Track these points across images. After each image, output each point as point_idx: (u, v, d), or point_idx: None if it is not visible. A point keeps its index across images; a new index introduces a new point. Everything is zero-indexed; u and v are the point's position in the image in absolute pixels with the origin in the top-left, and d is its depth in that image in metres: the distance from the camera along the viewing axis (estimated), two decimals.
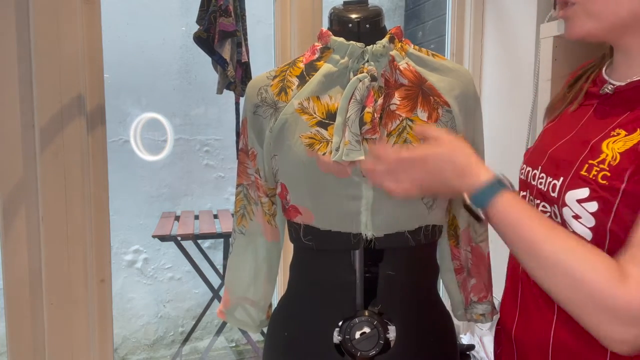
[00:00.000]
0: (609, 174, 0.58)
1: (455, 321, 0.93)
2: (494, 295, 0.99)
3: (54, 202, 1.16)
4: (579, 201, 0.60)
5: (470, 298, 0.95)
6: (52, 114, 1.15)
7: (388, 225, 0.76)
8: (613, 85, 0.67)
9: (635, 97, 0.63)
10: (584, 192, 0.60)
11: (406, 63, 0.79)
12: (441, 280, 0.95)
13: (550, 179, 0.66)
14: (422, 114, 0.78)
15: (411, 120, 0.77)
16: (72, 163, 1.18)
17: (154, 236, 2.25)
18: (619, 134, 0.61)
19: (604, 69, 0.72)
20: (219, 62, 1.59)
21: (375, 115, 0.74)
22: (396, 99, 0.77)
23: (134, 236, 2.71)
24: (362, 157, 0.72)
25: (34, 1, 1.11)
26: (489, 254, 0.94)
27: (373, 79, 0.75)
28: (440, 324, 0.86)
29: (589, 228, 0.59)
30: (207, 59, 1.71)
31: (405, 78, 0.79)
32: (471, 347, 0.98)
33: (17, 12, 1.11)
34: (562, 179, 0.64)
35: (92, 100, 1.23)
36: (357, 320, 0.76)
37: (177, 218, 2.58)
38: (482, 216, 0.65)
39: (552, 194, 0.65)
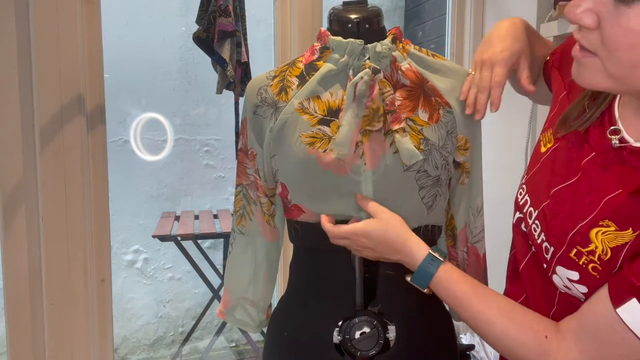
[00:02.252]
0: (600, 268, 0.57)
1: (455, 321, 0.93)
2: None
3: (54, 202, 1.16)
4: (570, 280, 0.61)
5: None
6: (52, 114, 1.15)
7: None
8: (622, 138, 0.59)
9: (636, 167, 0.57)
10: (575, 275, 0.60)
11: (408, 64, 0.79)
12: None
13: (544, 238, 0.65)
14: (423, 115, 0.78)
15: (412, 120, 0.77)
16: (72, 163, 1.18)
17: (154, 236, 2.25)
18: (608, 225, 0.57)
19: (617, 99, 0.63)
20: (218, 62, 1.59)
21: (396, 104, 0.76)
22: (397, 99, 0.77)
23: (134, 236, 2.71)
24: (346, 152, 0.73)
25: (34, 1, 1.11)
26: (484, 254, 0.94)
27: (375, 71, 0.75)
28: (440, 324, 0.86)
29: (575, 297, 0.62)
30: (207, 59, 1.71)
31: (407, 78, 0.79)
32: (471, 347, 0.98)
33: (17, 12, 1.11)
34: (553, 249, 0.63)
35: (92, 100, 1.23)
36: (356, 320, 0.76)
37: (177, 218, 2.59)
38: (426, 292, 0.73)
39: (545, 256, 0.64)
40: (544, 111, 1.46)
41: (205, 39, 1.58)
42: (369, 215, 0.76)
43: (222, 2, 1.54)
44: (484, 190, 0.90)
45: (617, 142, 0.59)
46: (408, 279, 0.74)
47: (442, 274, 0.70)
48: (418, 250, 0.72)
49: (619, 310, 0.54)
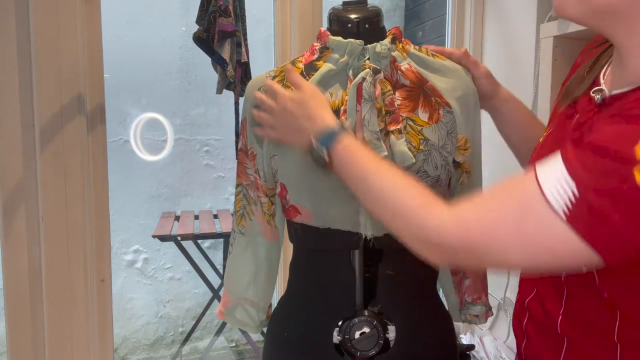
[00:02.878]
0: None
1: (455, 322, 0.93)
2: (493, 294, 0.99)
3: (54, 202, 1.16)
4: None
5: (464, 299, 0.95)
6: (52, 114, 1.15)
7: None
8: (603, 92, 0.61)
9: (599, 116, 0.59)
10: None
11: (407, 64, 0.79)
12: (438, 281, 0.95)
13: None
14: (423, 115, 0.78)
15: (412, 120, 0.77)
16: (72, 163, 1.18)
17: (154, 236, 2.25)
18: None
19: (606, 66, 0.66)
20: (218, 62, 1.59)
21: (396, 104, 0.75)
22: (397, 99, 0.77)
23: (134, 236, 2.71)
24: (385, 153, 0.73)
25: (34, 1, 1.11)
26: None
27: (376, 72, 0.75)
28: (440, 324, 0.86)
29: None
30: (207, 59, 1.71)
31: (406, 79, 0.79)
32: (471, 347, 0.98)
33: (17, 12, 1.11)
34: None
35: (92, 100, 1.23)
36: (356, 320, 0.76)
37: (177, 218, 2.59)
38: (326, 159, 0.69)
39: None
40: (544, 112, 1.46)
41: (205, 39, 1.57)
42: (372, 220, 0.76)
43: (222, 2, 1.54)
44: (483, 190, 0.90)
45: (599, 98, 0.61)
46: (313, 142, 0.70)
47: (349, 137, 0.69)
48: (332, 117, 0.71)
49: (539, 175, 0.52)
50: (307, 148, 0.72)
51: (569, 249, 0.50)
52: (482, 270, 0.95)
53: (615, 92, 0.59)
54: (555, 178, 0.51)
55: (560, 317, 0.66)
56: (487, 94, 0.86)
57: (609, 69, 0.65)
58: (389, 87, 0.76)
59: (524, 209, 0.52)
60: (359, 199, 0.68)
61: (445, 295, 0.97)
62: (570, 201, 0.50)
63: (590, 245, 0.49)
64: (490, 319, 1.95)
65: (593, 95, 0.62)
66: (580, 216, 0.49)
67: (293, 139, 0.74)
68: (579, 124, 0.63)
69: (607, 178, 0.48)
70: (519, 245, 0.53)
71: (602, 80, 0.64)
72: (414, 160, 0.74)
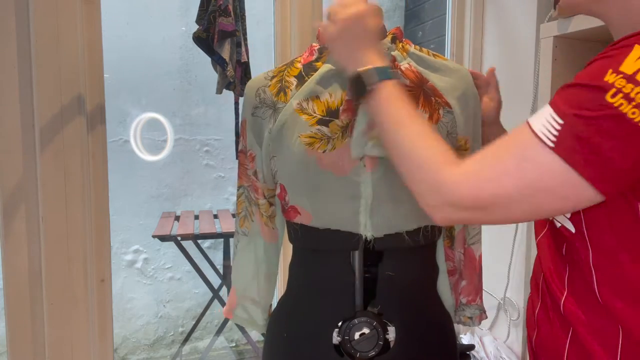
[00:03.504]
0: None
1: (455, 323, 0.93)
2: (493, 294, 0.99)
3: (54, 202, 1.16)
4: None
5: (460, 300, 0.95)
6: (52, 114, 1.15)
7: (387, 225, 0.76)
8: None
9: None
10: None
11: (407, 63, 0.79)
12: None
13: None
14: (423, 115, 0.77)
15: None
16: (72, 163, 1.18)
17: (154, 236, 2.25)
18: None
19: None
20: (218, 62, 1.59)
21: None
22: None
23: (134, 236, 2.71)
24: (379, 154, 0.73)
25: (34, 1, 1.11)
26: (480, 256, 0.94)
27: None
28: (440, 324, 0.85)
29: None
30: (207, 59, 1.71)
31: (406, 78, 0.79)
32: (471, 347, 0.98)
33: (17, 12, 1.11)
34: None
35: (92, 100, 1.23)
36: (356, 321, 0.76)
37: (177, 218, 2.58)
38: (372, 88, 0.69)
39: None
40: None
41: (205, 39, 1.57)
42: (371, 221, 0.76)
43: (222, 2, 1.54)
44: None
45: None
46: (364, 67, 0.70)
47: (399, 83, 0.70)
48: (384, 58, 0.72)
49: (530, 120, 0.57)
50: (354, 71, 0.71)
51: (564, 183, 0.54)
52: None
53: None
54: (542, 117, 0.55)
55: (563, 299, 0.68)
56: (487, 121, 0.90)
57: None
58: None
59: (521, 154, 0.56)
60: (384, 138, 0.68)
61: (440, 296, 0.97)
62: (556, 129, 0.54)
63: (580, 173, 0.53)
64: (490, 319, 1.95)
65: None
66: (566, 142, 0.53)
67: (347, 56, 0.73)
68: None
69: (585, 108, 0.52)
70: (522, 192, 0.56)
71: None
72: None
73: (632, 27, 0.60)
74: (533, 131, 0.55)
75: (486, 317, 0.98)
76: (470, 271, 0.92)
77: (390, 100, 0.68)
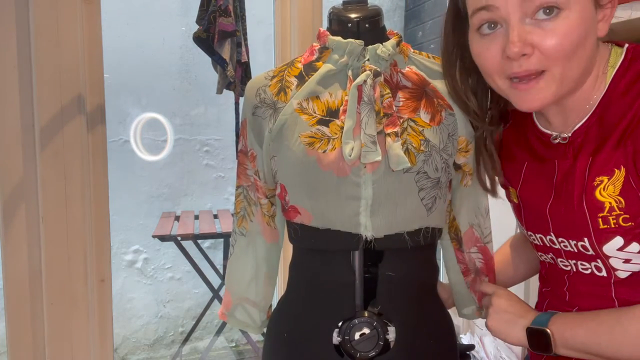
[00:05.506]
0: (628, 216, 0.61)
1: (455, 321, 0.92)
2: None
3: (54, 202, 1.16)
4: (619, 249, 0.64)
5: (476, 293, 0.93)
6: (52, 114, 1.15)
7: (387, 226, 0.76)
8: (560, 136, 0.71)
9: (585, 142, 0.67)
10: (619, 240, 0.63)
11: (408, 67, 0.79)
12: (447, 278, 0.94)
13: (575, 242, 0.69)
14: (425, 116, 0.77)
15: (413, 121, 0.77)
16: (72, 163, 1.18)
17: (154, 236, 2.25)
18: (602, 181, 0.63)
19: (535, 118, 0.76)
20: (218, 62, 1.59)
21: (395, 107, 0.75)
22: (399, 99, 0.77)
23: (134, 236, 2.71)
24: (379, 158, 0.72)
25: (34, 1, 1.11)
26: (492, 256, 0.93)
27: (376, 74, 0.75)
28: (440, 325, 0.85)
29: None
30: (207, 59, 1.71)
31: (408, 80, 0.79)
32: (471, 347, 0.98)
33: (17, 12, 1.11)
34: (586, 239, 0.67)
35: (92, 100, 1.23)
36: (356, 321, 0.76)
37: (177, 218, 2.58)
38: (549, 332, 0.69)
39: (588, 253, 0.68)
40: None
41: (206, 39, 1.58)
42: (372, 222, 0.76)
43: (222, 2, 1.54)
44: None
45: (561, 138, 0.70)
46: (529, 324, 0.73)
47: (560, 316, 0.71)
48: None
49: None
50: (526, 334, 0.73)
51: None
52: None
53: (574, 128, 0.68)
54: None
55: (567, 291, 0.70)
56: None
57: (539, 125, 0.75)
58: (388, 90, 0.76)
59: None
60: (603, 352, 0.66)
61: (454, 293, 0.95)
62: None
63: None
64: None
65: (553, 141, 0.72)
66: None
67: (508, 330, 0.77)
68: (564, 163, 0.72)
69: None
70: None
71: (542, 129, 0.74)
72: (408, 164, 0.73)
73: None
74: None
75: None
76: (488, 269, 0.92)
77: (572, 323, 0.68)
